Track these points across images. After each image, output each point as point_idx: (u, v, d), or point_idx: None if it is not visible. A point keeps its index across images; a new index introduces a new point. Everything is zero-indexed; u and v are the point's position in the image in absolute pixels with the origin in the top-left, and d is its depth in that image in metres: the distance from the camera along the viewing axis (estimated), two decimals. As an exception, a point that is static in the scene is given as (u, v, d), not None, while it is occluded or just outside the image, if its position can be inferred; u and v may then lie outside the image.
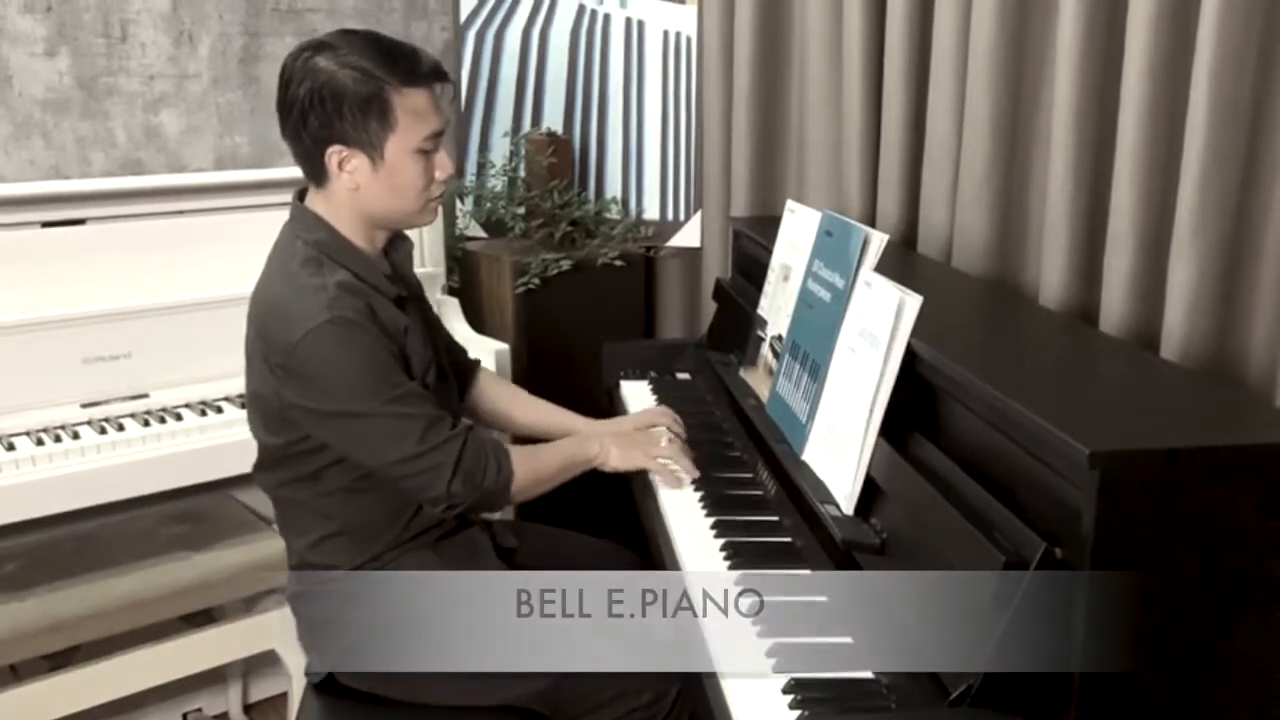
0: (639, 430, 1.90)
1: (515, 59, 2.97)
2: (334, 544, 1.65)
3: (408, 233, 1.75)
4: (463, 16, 2.98)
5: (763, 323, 1.97)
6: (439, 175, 1.63)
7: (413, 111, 1.56)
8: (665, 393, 2.27)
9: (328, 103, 1.53)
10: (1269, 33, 1.59)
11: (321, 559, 1.66)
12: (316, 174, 1.60)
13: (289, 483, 1.65)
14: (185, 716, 2.44)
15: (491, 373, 2.09)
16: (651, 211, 2.92)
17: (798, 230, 1.89)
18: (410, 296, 1.72)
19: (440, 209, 1.75)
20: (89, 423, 2.13)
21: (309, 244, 1.60)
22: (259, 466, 1.70)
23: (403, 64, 1.56)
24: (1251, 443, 1.14)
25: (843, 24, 2.34)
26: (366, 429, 1.53)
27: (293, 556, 1.71)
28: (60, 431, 2.08)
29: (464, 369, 1.95)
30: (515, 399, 2.00)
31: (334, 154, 1.56)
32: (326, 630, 1.66)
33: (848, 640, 1.37)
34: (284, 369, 1.54)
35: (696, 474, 1.82)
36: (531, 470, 1.67)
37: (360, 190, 1.59)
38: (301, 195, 1.66)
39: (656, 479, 1.82)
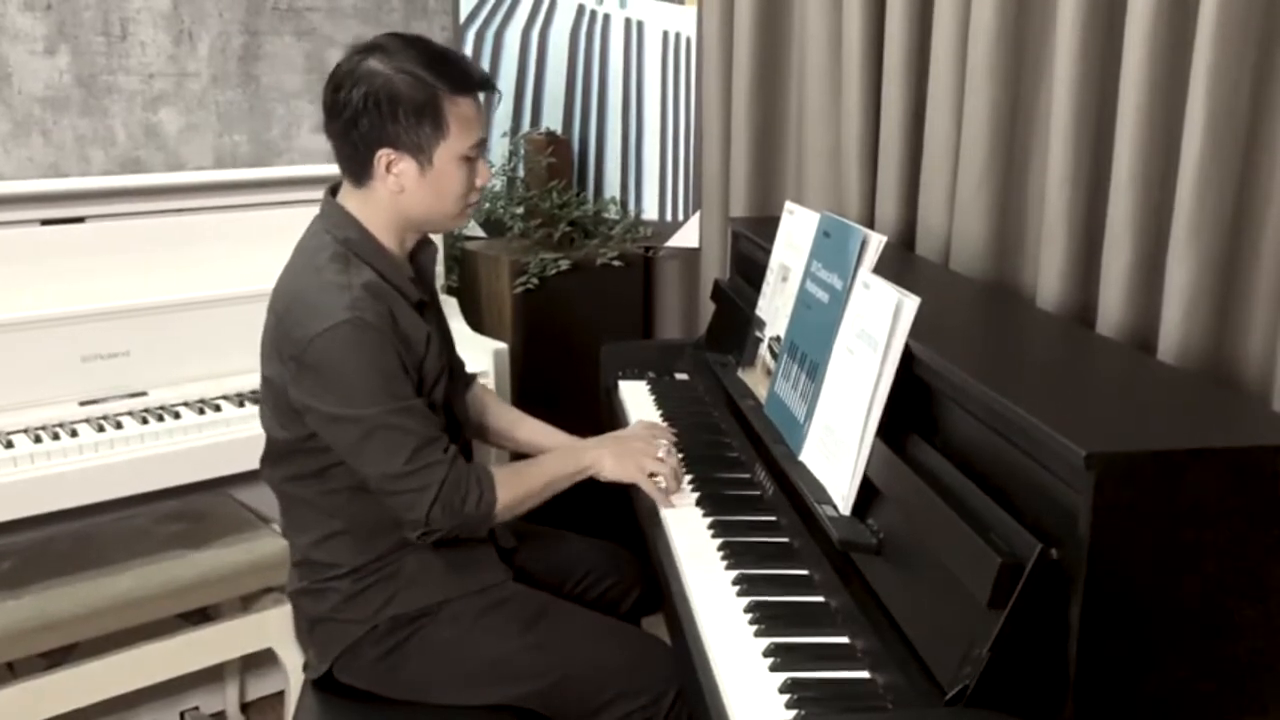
0: (636, 439, 1.88)
1: (515, 59, 2.97)
2: (337, 542, 1.65)
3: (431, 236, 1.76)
4: (462, 16, 2.98)
5: (761, 323, 1.97)
6: (479, 182, 1.65)
7: (462, 119, 1.59)
8: (663, 393, 2.27)
9: (383, 106, 1.55)
10: (1267, 35, 1.60)
11: (324, 557, 1.66)
12: (359, 174, 1.61)
13: (295, 478, 1.66)
14: (182, 715, 2.45)
15: (490, 390, 2.10)
16: (650, 212, 2.92)
17: (796, 231, 1.90)
18: (430, 302, 1.72)
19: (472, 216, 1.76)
20: (87, 420, 2.13)
21: (338, 241, 1.61)
22: (266, 460, 1.70)
23: (455, 72, 1.59)
24: (1248, 445, 1.14)
25: (842, 25, 2.34)
26: (361, 436, 1.53)
27: (295, 553, 1.71)
28: (58, 429, 2.08)
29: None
30: (517, 419, 1.99)
31: (383, 156, 1.58)
32: (327, 627, 1.67)
33: (844, 640, 1.38)
34: (296, 362, 1.54)
35: (684, 496, 1.78)
36: (517, 491, 1.65)
37: (405, 193, 1.60)
38: (334, 190, 1.67)
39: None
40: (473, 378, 1.99)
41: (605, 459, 1.75)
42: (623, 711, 1.59)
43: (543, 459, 1.78)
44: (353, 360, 1.52)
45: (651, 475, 1.76)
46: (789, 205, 1.99)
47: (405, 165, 1.58)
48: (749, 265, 2.28)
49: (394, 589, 1.64)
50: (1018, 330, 1.76)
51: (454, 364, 1.80)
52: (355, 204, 1.63)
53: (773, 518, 1.71)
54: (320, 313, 1.52)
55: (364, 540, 1.64)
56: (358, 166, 1.61)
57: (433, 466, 1.55)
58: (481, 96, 1.64)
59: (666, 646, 1.66)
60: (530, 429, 1.96)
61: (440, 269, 2.68)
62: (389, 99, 1.55)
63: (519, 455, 1.93)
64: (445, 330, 1.80)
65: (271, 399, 1.64)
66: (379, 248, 1.62)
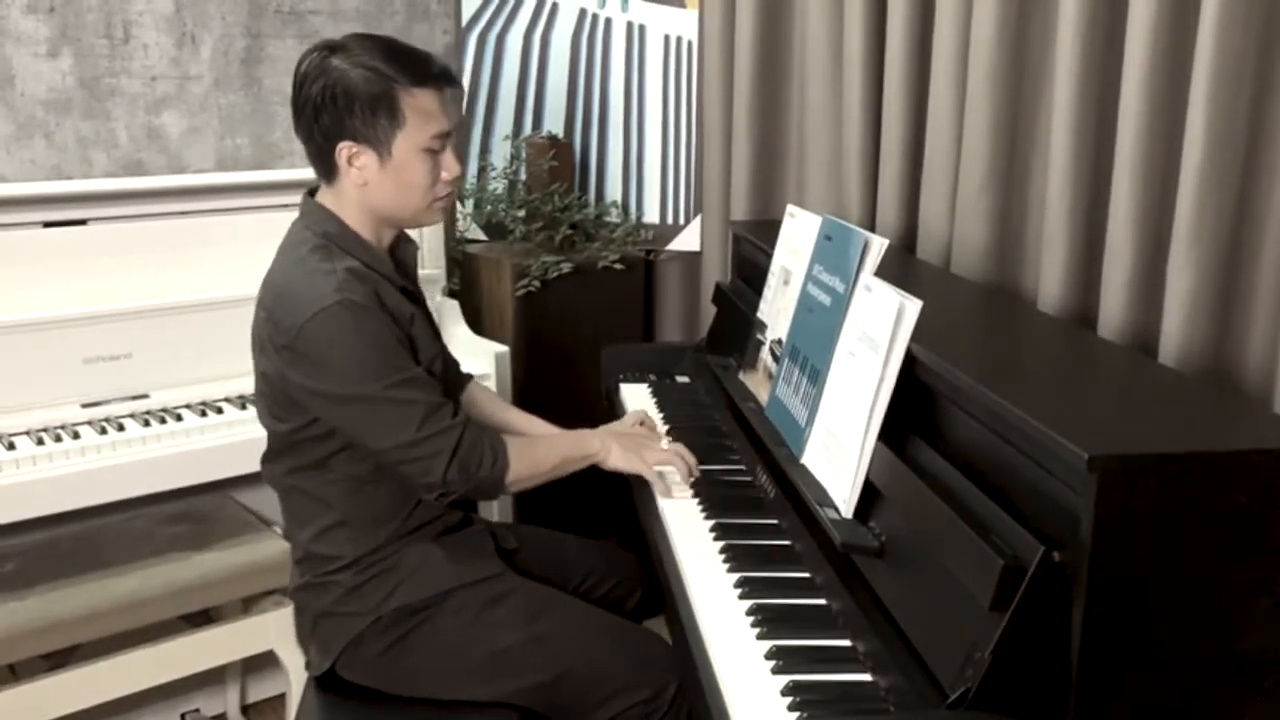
0: (638, 433, 1.89)
1: (517, 62, 2.98)
2: (337, 534, 1.66)
3: (412, 235, 1.76)
4: (465, 19, 2.98)
5: (762, 326, 1.97)
6: (445, 175, 1.66)
7: (420, 111, 1.60)
8: (664, 396, 2.28)
9: (339, 100, 1.57)
10: (1267, 43, 1.60)
11: (325, 550, 1.66)
12: (327, 170, 1.64)
13: (295, 471, 1.66)
14: (183, 717, 2.44)
15: (486, 388, 2.10)
16: (651, 215, 2.93)
17: (798, 234, 1.90)
18: (415, 293, 1.73)
19: (445, 210, 1.77)
20: (89, 423, 2.13)
21: (318, 234, 1.63)
22: (266, 457, 1.71)
23: (412, 65, 1.60)
24: (1248, 448, 1.14)
25: (843, 29, 2.35)
26: (368, 412, 1.55)
27: (296, 550, 1.72)
28: (61, 431, 2.08)
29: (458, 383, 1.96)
30: (515, 416, 2.00)
31: (344, 150, 1.60)
32: (330, 622, 1.67)
33: (846, 642, 1.38)
34: (290, 349, 1.55)
35: (696, 474, 1.81)
36: (528, 463, 1.69)
37: (368, 186, 1.62)
38: (312, 193, 1.69)
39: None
40: (469, 377, 2.00)
41: (613, 448, 1.78)
42: (623, 706, 1.60)
43: (554, 438, 1.81)
44: (347, 340, 1.54)
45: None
46: (790, 208, 1.99)
47: (366, 158, 1.60)
48: (750, 268, 2.28)
49: (396, 580, 1.65)
50: (1019, 333, 1.76)
51: (447, 360, 1.81)
52: (330, 201, 1.65)
53: (774, 520, 1.71)
54: (308, 299, 1.54)
55: (364, 531, 1.65)
56: (324, 163, 1.63)
57: (445, 431, 1.58)
58: (447, 91, 1.64)
59: (667, 644, 1.66)
60: (528, 424, 1.96)
61: (440, 272, 2.69)
62: (345, 92, 1.57)
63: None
64: (434, 324, 1.81)
65: (267, 392, 1.65)
66: (358, 239, 1.64)
